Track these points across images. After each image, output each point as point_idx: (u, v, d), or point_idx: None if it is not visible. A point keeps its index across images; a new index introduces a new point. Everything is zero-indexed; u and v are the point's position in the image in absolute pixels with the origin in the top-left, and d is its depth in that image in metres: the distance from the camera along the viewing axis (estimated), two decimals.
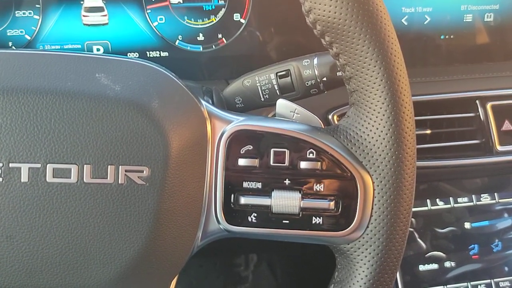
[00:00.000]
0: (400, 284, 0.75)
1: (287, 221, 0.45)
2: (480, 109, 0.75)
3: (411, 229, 0.76)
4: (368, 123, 0.44)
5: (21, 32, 0.74)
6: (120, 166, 0.41)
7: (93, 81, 0.43)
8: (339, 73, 0.53)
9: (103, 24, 0.75)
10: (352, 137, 0.45)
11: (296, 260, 1.11)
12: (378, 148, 0.44)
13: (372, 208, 0.44)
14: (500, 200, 0.79)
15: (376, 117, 0.43)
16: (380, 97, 0.43)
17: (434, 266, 0.77)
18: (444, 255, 0.77)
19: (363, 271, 0.45)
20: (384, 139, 0.43)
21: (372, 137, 0.44)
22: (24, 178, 0.41)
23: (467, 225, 0.78)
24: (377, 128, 0.43)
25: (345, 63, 0.43)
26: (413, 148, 0.44)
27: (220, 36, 0.78)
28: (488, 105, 0.75)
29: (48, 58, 0.44)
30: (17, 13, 0.73)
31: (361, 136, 0.44)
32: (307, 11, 0.43)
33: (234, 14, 0.77)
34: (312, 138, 0.45)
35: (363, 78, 0.43)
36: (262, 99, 0.57)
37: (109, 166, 0.41)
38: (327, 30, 0.42)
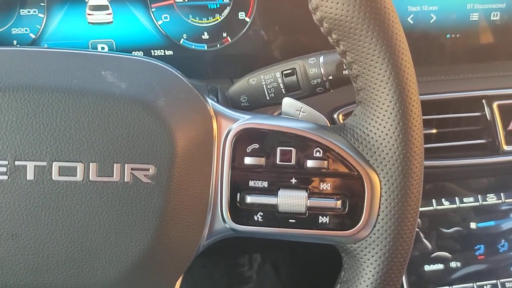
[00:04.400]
0: (405, 284, 0.74)
1: (294, 220, 0.45)
2: (486, 109, 0.75)
3: (417, 229, 0.76)
4: (375, 122, 0.43)
5: (25, 30, 0.74)
6: (126, 164, 0.41)
7: (99, 78, 0.42)
8: (345, 72, 0.52)
9: (108, 23, 0.75)
10: (359, 136, 0.44)
11: (300, 260, 1.10)
12: (386, 146, 0.43)
13: (379, 207, 0.44)
14: (506, 200, 0.78)
15: (384, 115, 0.43)
16: (388, 95, 0.42)
17: (440, 266, 0.76)
18: (449, 255, 0.77)
19: (370, 271, 0.44)
20: (391, 137, 0.43)
21: (379, 136, 0.43)
22: (30, 176, 0.40)
23: (473, 225, 0.77)
24: (384, 127, 0.43)
25: (352, 61, 0.43)
26: (420, 147, 0.44)
27: (224, 34, 0.78)
28: (494, 105, 0.74)
29: (53, 55, 0.44)
30: (22, 11, 0.73)
31: (368, 135, 0.44)
32: (314, 8, 0.42)
33: (239, 13, 0.77)
34: (318, 136, 0.45)
35: (370, 76, 0.43)
36: (268, 98, 0.56)
37: (115, 164, 0.41)
38: (334, 27, 0.42)
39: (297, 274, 1.13)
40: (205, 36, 0.77)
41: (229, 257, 1.13)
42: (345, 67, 0.49)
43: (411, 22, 0.80)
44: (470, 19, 0.81)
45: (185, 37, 0.77)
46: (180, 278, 0.48)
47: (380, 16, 0.41)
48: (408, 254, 0.45)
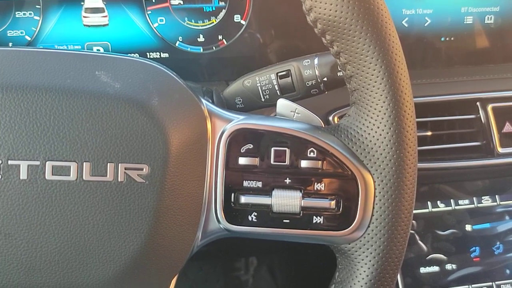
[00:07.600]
0: (401, 286, 0.74)
1: (288, 221, 0.45)
2: (481, 111, 0.75)
3: (412, 231, 0.76)
4: (369, 122, 0.44)
5: (21, 32, 0.74)
6: (119, 164, 0.41)
7: (93, 78, 0.42)
8: (339, 73, 0.53)
9: (103, 25, 0.75)
10: (353, 136, 0.44)
11: (296, 263, 1.10)
12: (379, 147, 0.43)
13: (373, 208, 0.44)
14: (501, 202, 0.78)
15: (377, 115, 0.43)
16: (381, 95, 0.42)
17: (435, 268, 0.76)
18: (445, 257, 0.77)
19: (364, 271, 0.44)
20: (385, 138, 0.43)
21: (373, 136, 0.43)
22: (23, 175, 0.40)
23: (468, 227, 0.77)
24: (378, 127, 0.43)
25: (346, 62, 0.43)
26: (414, 147, 0.44)
27: (220, 37, 0.78)
28: (489, 107, 0.75)
29: (47, 55, 0.44)
30: (18, 13, 0.73)
31: (362, 135, 0.44)
32: (308, 9, 0.43)
33: (235, 16, 0.77)
34: (313, 137, 0.45)
35: (364, 77, 0.43)
36: (263, 100, 0.56)
37: (108, 164, 0.41)
38: (327, 28, 0.42)
39: (293, 277, 1.13)
40: (201, 38, 0.77)
41: (225, 260, 1.13)
42: (339, 68, 0.49)
43: (406, 25, 0.80)
44: (465, 22, 0.82)
45: (181, 40, 0.77)
46: (175, 279, 0.47)
47: (373, 17, 0.41)
48: (402, 255, 0.45)
